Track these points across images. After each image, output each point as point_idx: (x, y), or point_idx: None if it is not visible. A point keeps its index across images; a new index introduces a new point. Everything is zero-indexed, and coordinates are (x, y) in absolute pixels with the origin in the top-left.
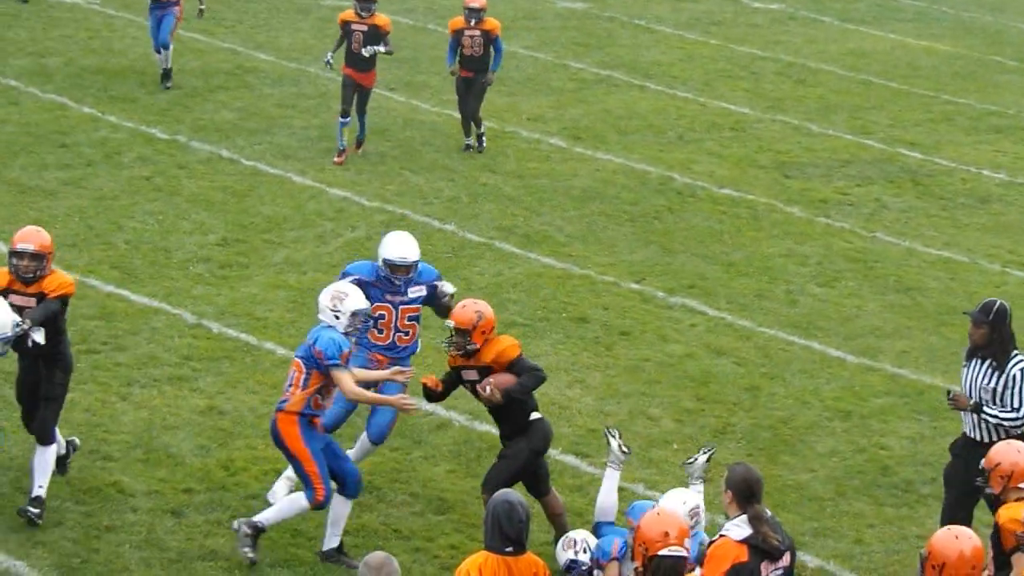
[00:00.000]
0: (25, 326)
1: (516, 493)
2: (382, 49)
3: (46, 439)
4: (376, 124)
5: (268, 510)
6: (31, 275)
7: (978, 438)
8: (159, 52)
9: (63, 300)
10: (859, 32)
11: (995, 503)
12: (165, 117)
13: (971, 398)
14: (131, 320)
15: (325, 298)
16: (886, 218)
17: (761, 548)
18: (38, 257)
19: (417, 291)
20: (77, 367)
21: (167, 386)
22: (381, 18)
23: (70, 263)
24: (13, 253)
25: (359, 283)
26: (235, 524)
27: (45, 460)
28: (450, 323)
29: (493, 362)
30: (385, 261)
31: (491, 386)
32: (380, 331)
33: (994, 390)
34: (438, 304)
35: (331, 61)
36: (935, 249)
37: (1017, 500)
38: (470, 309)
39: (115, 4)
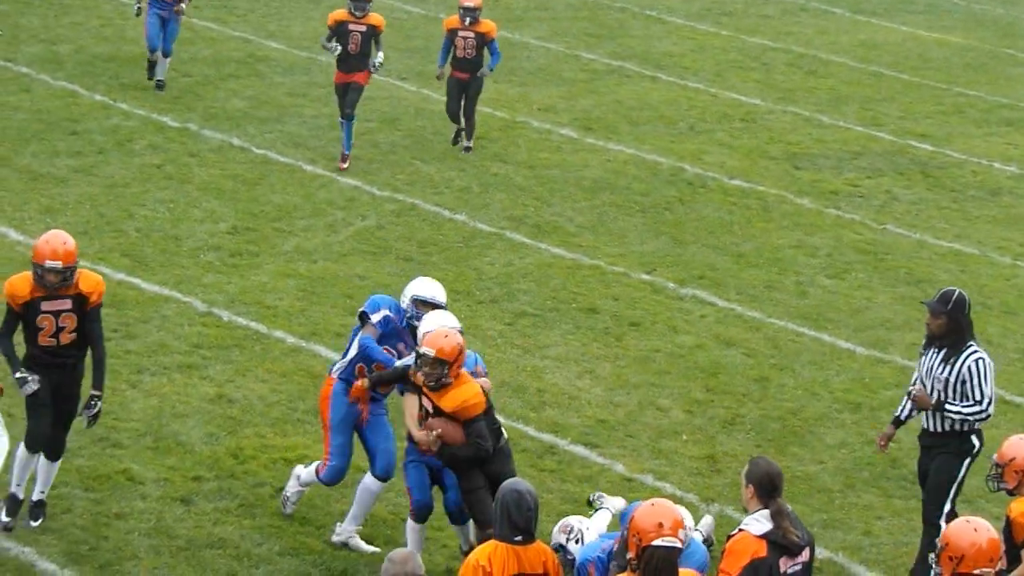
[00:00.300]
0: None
1: (525, 482)
2: (381, 57)
3: (59, 455)
4: (387, 113)
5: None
6: (62, 284)
7: (938, 429)
8: (153, 52)
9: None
10: (871, 24)
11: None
12: (176, 105)
13: (930, 392)
14: (141, 308)
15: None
16: (896, 210)
17: (780, 544)
18: (69, 269)
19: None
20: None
21: (177, 374)
22: (376, 17)
23: (81, 250)
24: (42, 268)
25: (386, 321)
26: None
27: (53, 468)
28: (428, 352)
29: (454, 412)
30: (415, 300)
31: (436, 434)
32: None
33: (947, 380)
34: None
35: (335, 46)
36: (945, 241)
37: None
38: (453, 339)
39: None
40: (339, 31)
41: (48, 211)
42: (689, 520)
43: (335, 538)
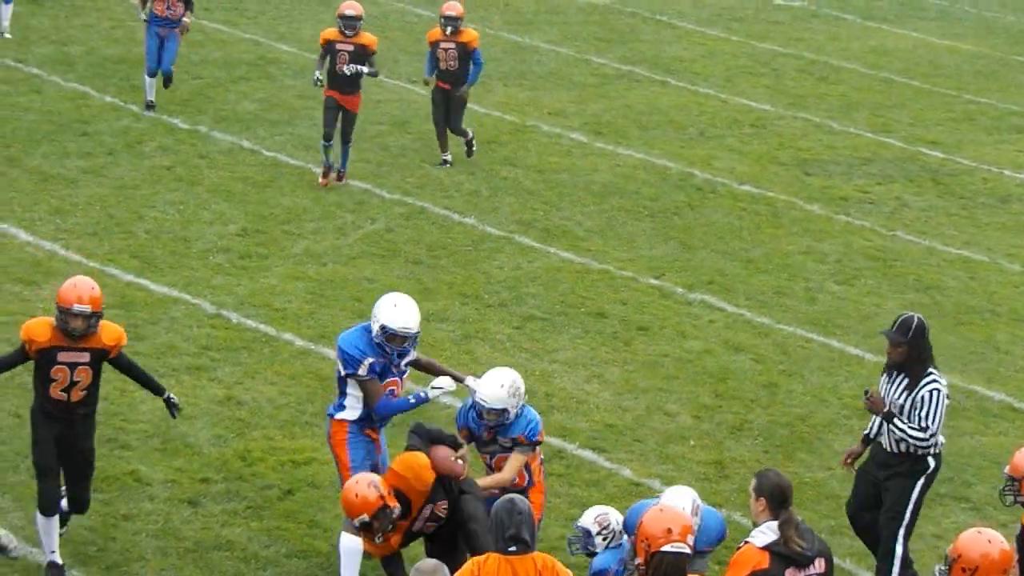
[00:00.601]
0: None
1: (517, 495)
2: (366, 70)
3: (85, 509)
4: (397, 116)
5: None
6: (87, 331)
7: (894, 451)
8: (152, 77)
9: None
10: (881, 30)
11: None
12: (187, 107)
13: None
14: (150, 309)
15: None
16: (906, 217)
17: (785, 555)
18: (96, 315)
19: (412, 355)
20: None
21: (185, 376)
22: (367, 37)
23: (90, 251)
24: (68, 313)
25: (372, 367)
26: None
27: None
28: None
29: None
30: (384, 330)
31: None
32: None
33: (902, 407)
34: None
35: (320, 78)
36: (955, 248)
37: None
38: (366, 495)
39: None
40: (329, 50)
41: (58, 212)
42: (695, 499)
43: None
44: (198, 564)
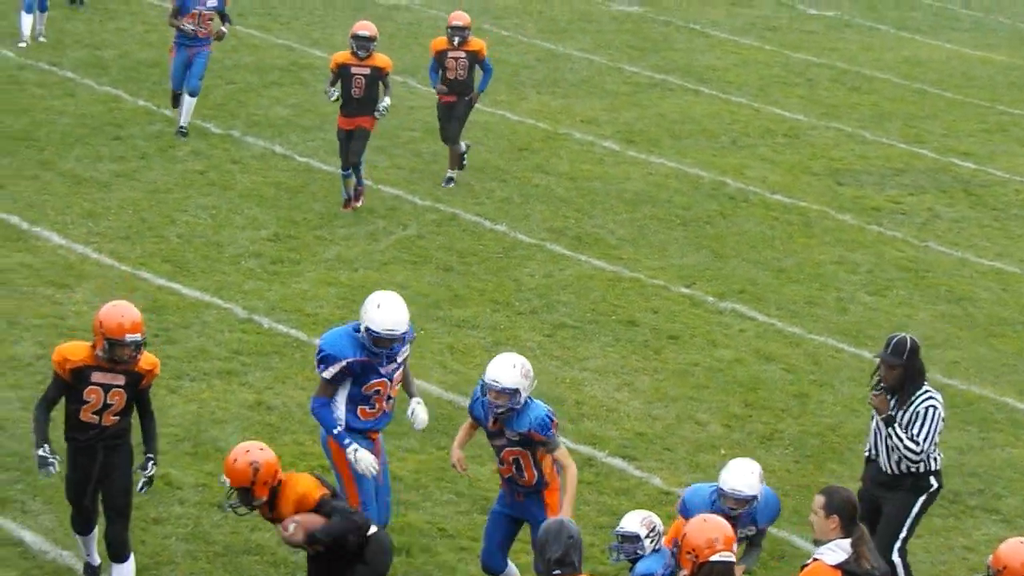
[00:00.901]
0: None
1: (567, 518)
2: (388, 101)
3: (124, 555)
4: (430, 123)
5: None
6: (126, 363)
7: (892, 471)
8: (183, 96)
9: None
10: (915, 41)
11: None
12: (220, 112)
13: (881, 438)
14: (182, 313)
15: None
16: (938, 228)
17: (856, 573)
18: (145, 341)
19: (404, 352)
20: None
21: (216, 380)
22: (381, 58)
23: (123, 255)
24: (119, 344)
25: (356, 365)
26: None
27: (125, 570)
28: (224, 480)
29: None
30: (369, 332)
31: (294, 524)
32: (372, 406)
33: (898, 423)
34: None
35: (336, 94)
36: (987, 260)
37: None
38: (242, 462)
39: None
40: (341, 74)
41: (90, 215)
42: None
43: None
44: (227, 568)
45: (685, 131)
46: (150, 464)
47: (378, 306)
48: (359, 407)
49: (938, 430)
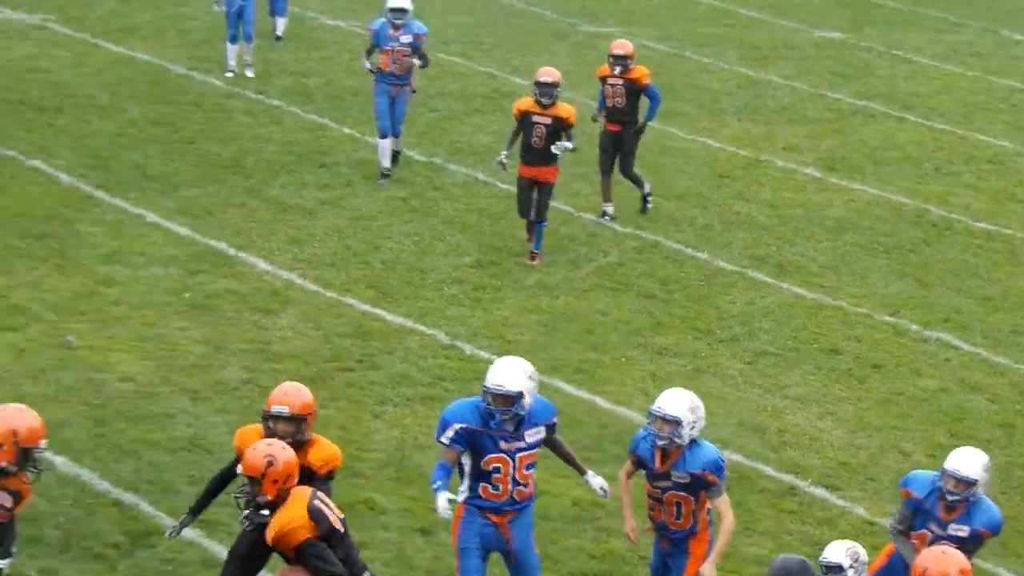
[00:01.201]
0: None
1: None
2: (570, 146)
3: None
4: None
5: None
6: (288, 441)
7: None
8: (383, 137)
9: (331, 475)
10: None
11: None
12: (423, 140)
13: None
14: (385, 339)
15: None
16: None
17: None
18: (296, 420)
19: (535, 433)
20: (330, 384)
21: (419, 405)
22: (564, 108)
23: (327, 281)
24: (267, 416)
25: (466, 433)
26: None
27: None
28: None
29: (275, 541)
30: (483, 388)
31: None
32: (495, 487)
33: None
34: (556, 448)
35: (504, 161)
36: None
37: None
38: (261, 451)
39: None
40: (523, 122)
41: (295, 242)
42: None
43: None
44: None
45: (888, 158)
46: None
47: (495, 365)
48: (480, 483)
49: None
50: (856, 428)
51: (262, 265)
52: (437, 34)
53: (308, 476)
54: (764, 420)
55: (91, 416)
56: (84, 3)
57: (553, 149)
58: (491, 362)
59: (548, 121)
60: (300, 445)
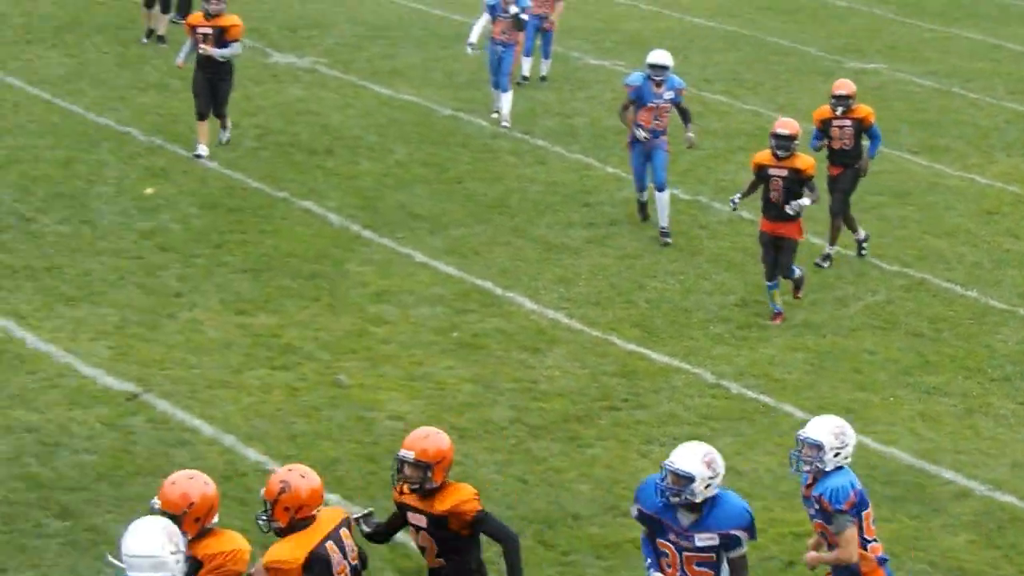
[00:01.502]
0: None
1: None
2: (807, 203)
3: None
4: (897, 187)
5: None
6: (416, 486)
7: None
8: (641, 192)
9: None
10: None
11: None
12: (687, 178)
13: None
14: (652, 378)
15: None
16: None
17: None
18: (420, 467)
19: (707, 539)
20: (599, 424)
21: None
22: (803, 160)
23: (593, 320)
24: (396, 458)
25: (640, 516)
26: None
27: None
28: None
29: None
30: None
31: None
32: (668, 566)
33: None
34: (730, 568)
35: (737, 202)
36: None
37: None
38: (278, 477)
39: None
40: (760, 176)
41: (562, 281)
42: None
43: None
44: None
45: None
46: None
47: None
48: (660, 558)
49: None
50: None
51: (528, 304)
52: (700, 72)
53: (442, 526)
54: None
55: (362, 454)
56: (352, 46)
57: (787, 209)
58: (758, 402)
59: (784, 173)
60: (428, 494)
